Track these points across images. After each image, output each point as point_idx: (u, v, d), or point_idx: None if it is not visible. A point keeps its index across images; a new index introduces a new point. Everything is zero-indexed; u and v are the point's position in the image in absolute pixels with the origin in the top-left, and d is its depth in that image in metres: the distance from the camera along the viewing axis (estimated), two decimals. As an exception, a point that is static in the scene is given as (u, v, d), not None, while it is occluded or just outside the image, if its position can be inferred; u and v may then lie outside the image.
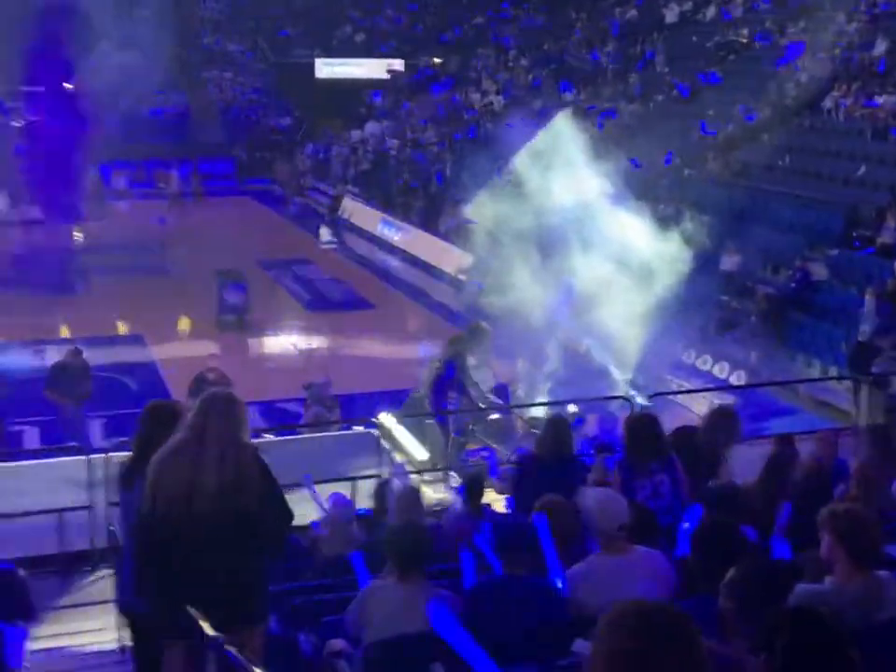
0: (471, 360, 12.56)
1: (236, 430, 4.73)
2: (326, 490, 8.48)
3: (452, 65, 41.67)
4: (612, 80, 32.00)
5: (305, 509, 8.51)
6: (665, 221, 16.84)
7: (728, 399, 13.84)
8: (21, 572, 6.15)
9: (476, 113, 35.42)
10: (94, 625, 7.46)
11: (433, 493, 10.45)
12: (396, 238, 29.62)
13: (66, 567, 8.88)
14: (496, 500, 8.45)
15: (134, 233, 29.53)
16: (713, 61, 28.54)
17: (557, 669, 4.30)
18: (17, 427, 14.33)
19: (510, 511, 7.68)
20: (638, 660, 2.28)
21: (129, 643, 5.68)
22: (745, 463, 7.26)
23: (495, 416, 12.94)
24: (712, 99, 26.51)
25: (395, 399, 14.23)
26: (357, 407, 14.47)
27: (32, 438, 14.54)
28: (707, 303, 16.80)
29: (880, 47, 23.32)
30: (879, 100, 21.54)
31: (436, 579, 5.25)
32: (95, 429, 14.46)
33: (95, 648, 7.08)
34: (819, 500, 5.14)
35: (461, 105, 37.12)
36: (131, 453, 5.50)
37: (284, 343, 20.24)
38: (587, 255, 13.48)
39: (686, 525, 5.23)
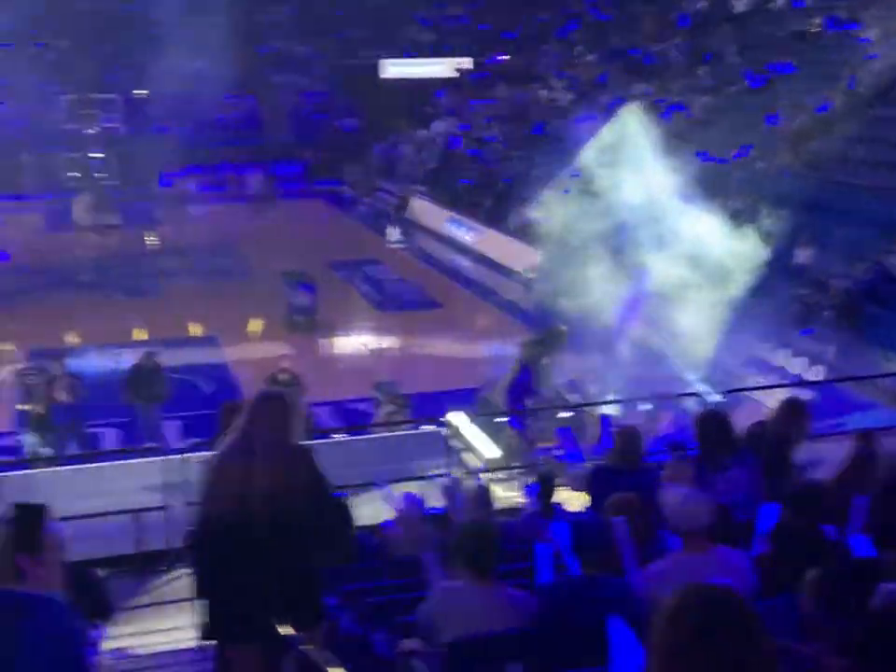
0: (547, 362, 12.46)
1: (284, 432, 4.70)
2: (396, 489, 8.49)
3: (518, 62, 41.52)
4: (681, 73, 31.64)
5: (377, 508, 8.55)
6: (736, 215, 16.60)
7: (805, 394, 13.60)
8: (99, 571, 6.25)
9: (543, 110, 35.25)
10: (171, 624, 7.54)
11: (504, 492, 10.43)
12: (464, 237, 29.62)
13: (143, 567, 9.01)
14: (568, 500, 8.39)
15: (207, 236, 29.94)
16: (784, 50, 28.04)
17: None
18: (95, 429, 14.60)
19: (584, 509, 7.60)
20: (697, 642, 2.25)
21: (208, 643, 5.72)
22: (823, 459, 7.12)
23: (566, 415, 12.86)
24: (784, 89, 26.04)
25: (464, 399, 14.22)
26: (427, 406, 14.47)
27: (110, 439, 14.81)
28: (781, 297, 16.52)
29: (957, 32, 22.75)
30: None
31: (508, 578, 5.22)
32: (171, 431, 14.66)
33: (172, 647, 7.16)
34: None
35: (527, 103, 36.97)
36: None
37: (354, 343, 20.34)
38: (658, 251, 13.33)
39: (765, 524, 5.14)
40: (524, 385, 12.33)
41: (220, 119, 41.85)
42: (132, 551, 9.13)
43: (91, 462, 12.68)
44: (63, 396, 13.59)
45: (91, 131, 36.63)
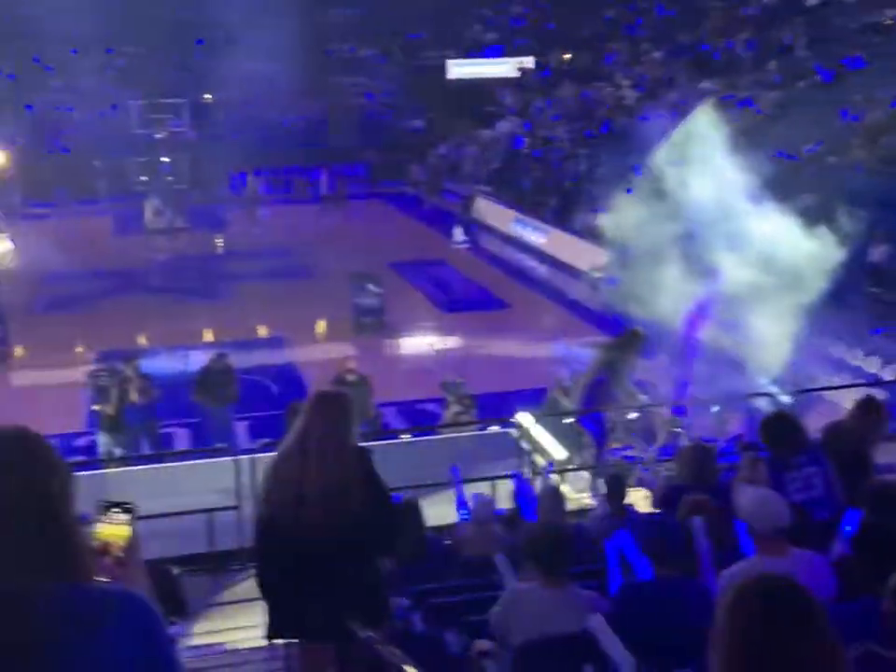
0: (626, 365, 12.31)
1: (339, 432, 4.67)
2: (467, 490, 8.48)
3: (583, 61, 41.32)
4: (750, 68, 31.22)
5: (447, 509, 8.55)
6: (808, 212, 16.33)
7: (879, 393, 13.32)
8: (175, 570, 6.33)
9: (608, 108, 35.03)
10: (244, 622, 7.60)
11: (574, 493, 10.38)
12: (529, 236, 29.54)
13: (216, 566, 9.11)
14: (639, 501, 8.33)
15: (275, 238, 30.22)
16: (856, 43, 27.54)
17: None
18: (167, 429, 14.79)
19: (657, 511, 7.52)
20: (757, 629, 2.27)
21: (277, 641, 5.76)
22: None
23: (634, 415, 12.74)
24: (856, 83, 25.58)
25: (532, 399, 14.17)
26: (493, 406, 14.45)
27: (181, 439, 15.00)
28: (855, 296, 16.23)
29: None
30: None
31: (579, 580, 5.19)
32: (241, 431, 14.81)
33: (246, 645, 7.22)
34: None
35: (593, 101, 36.76)
36: None
37: (420, 343, 20.38)
38: (729, 251, 13.14)
39: (847, 528, 5.04)
40: (601, 388, 12.20)
41: (287, 121, 42.26)
42: (205, 550, 9.24)
43: (163, 462, 12.88)
44: (135, 397, 13.79)
45: (160, 135, 37.19)
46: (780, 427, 6.59)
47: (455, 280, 25.90)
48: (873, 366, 15.87)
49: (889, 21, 27.55)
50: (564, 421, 13.15)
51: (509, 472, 9.85)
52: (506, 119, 40.28)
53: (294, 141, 40.13)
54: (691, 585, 4.75)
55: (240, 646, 7.33)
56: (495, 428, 13.24)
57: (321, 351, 19.42)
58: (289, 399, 12.60)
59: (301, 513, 4.59)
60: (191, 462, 12.30)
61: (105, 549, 2.22)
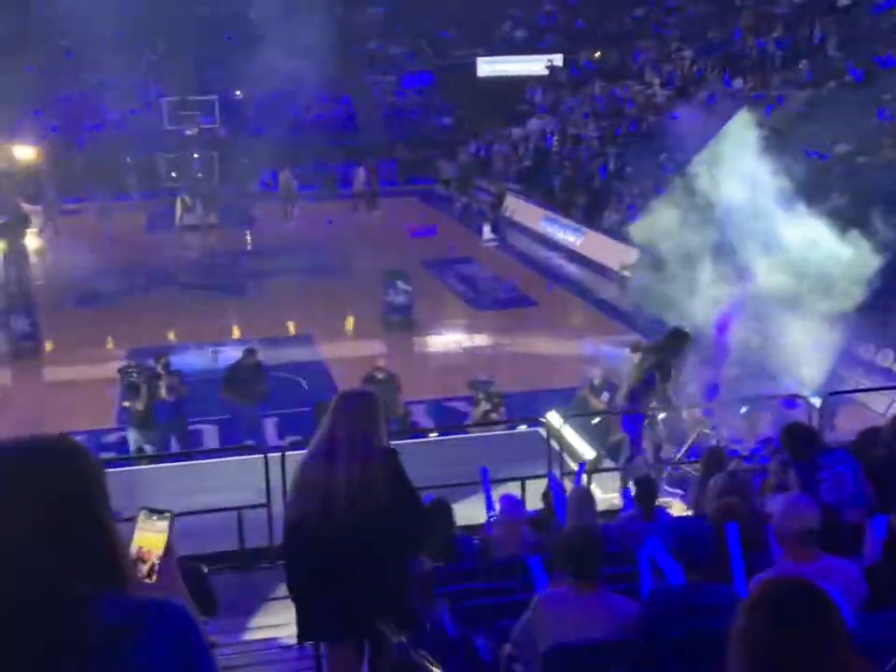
0: (674, 366, 12.21)
1: (367, 432, 4.65)
2: (495, 490, 8.49)
3: (613, 58, 41.16)
4: (781, 67, 31.01)
5: (476, 509, 8.56)
6: (838, 212, 16.20)
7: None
8: (205, 568, 6.37)
9: (638, 106, 34.88)
10: (274, 621, 7.65)
11: (604, 494, 10.36)
12: (558, 235, 29.48)
13: (246, 564, 9.16)
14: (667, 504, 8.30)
15: (304, 235, 30.29)
16: (889, 43, 27.29)
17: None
18: (197, 426, 14.87)
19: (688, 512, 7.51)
20: (772, 630, 2.30)
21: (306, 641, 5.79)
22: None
23: (662, 416, 12.69)
24: (888, 83, 25.36)
25: (561, 398, 14.16)
26: (522, 405, 14.44)
27: (211, 437, 15.07)
28: (886, 297, 16.08)
29: None
30: None
31: (608, 583, 5.17)
32: (270, 428, 14.86)
33: (276, 643, 7.26)
34: None
35: (623, 99, 36.62)
36: None
37: (449, 341, 20.39)
38: (760, 252, 13.08)
39: (876, 532, 5.01)
40: (648, 389, 12.12)
41: (317, 118, 42.34)
42: (235, 548, 9.30)
43: (193, 459, 12.97)
44: (164, 393, 13.87)
45: (190, 132, 37.30)
46: (799, 436, 6.66)
47: (484, 278, 25.86)
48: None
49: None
50: (592, 421, 13.14)
51: (538, 473, 9.84)
52: (536, 116, 40.18)
53: (324, 138, 40.21)
54: (723, 591, 4.73)
55: (269, 643, 7.38)
56: (523, 428, 13.25)
57: (350, 348, 19.46)
58: (318, 397, 12.70)
59: (330, 514, 4.60)
60: (221, 459, 12.38)
61: (142, 556, 2.24)
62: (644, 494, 7.51)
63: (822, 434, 6.99)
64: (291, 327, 21.64)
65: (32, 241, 29.22)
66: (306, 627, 4.93)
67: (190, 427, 14.49)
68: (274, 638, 7.37)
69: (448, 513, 7.00)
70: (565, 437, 11.67)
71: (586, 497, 6.89)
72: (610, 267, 24.13)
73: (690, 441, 12.21)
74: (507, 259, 28.48)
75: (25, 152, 36.77)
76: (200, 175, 35.53)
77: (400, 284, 20.77)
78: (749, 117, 15.23)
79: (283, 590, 7.76)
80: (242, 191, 36.24)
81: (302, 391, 16.61)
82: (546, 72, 43.21)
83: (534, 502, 8.64)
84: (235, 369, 14.67)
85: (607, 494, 10.58)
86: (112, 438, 14.73)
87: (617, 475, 11.35)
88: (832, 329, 12.64)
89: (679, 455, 12.25)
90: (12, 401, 16.94)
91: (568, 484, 8.89)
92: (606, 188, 30.11)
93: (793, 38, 32.04)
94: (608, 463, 12.30)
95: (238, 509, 9.38)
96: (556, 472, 9.70)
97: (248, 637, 7.73)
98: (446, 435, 14.01)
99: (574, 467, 10.74)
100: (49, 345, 20.08)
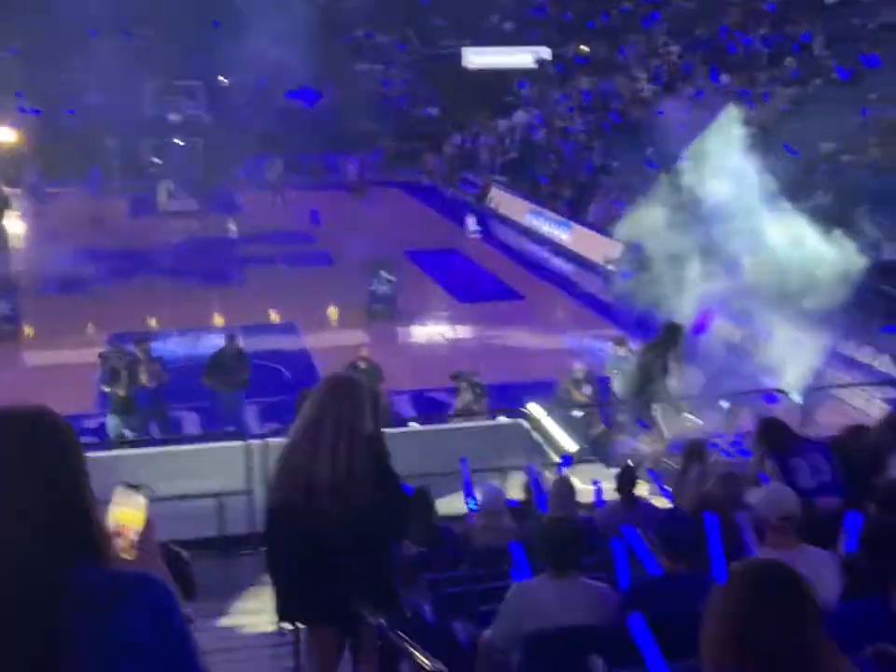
0: (674, 359, 12.25)
1: (351, 418, 4.60)
2: (477, 481, 8.50)
3: (600, 52, 41.18)
4: (767, 64, 31.09)
5: (457, 499, 8.57)
6: (822, 210, 16.28)
7: (888, 392, 13.31)
8: (186, 553, 6.33)
9: (625, 100, 34.92)
10: (254, 607, 7.64)
11: (584, 484, 10.37)
12: (543, 227, 29.49)
13: (226, 550, 9.13)
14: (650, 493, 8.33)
15: (287, 224, 30.21)
16: (875, 42, 27.39)
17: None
18: (177, 412, 14.82)
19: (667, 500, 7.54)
20: (746, 614, 2.32)
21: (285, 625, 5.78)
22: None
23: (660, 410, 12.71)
24: (873, 82, 25.47)
25: (543, 390, 14.17)
26: (505, 397, 14.45)
27: (191, 423, 15.02)
28: (867, 293, 16.16)
29: None
30: None
31: (588, 572, 5.19)
32: (252, 415, 14.83)
33: (255, 629, 7.25)
34: None
35: (610, 93, 36.65)
36: None
37: (432, 332, 20.38)
38: (744, 248, 13.14)
39: (852, 524, 5.04)
40: (648, 384, 12.15)
41: (302, 107, 42.17)
42: (215, 534, 9.27)
43: (173, 445, 12.92)
44: (145, 379, 13.82)
45: (174, 118, 37.11)
46: (775, 429, 6.79)
47: (469, 269, 25.86)
48: (883, 364, 15.82)
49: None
50: (574, 413, 13.17)
51: (520, 463, 9.85)
52: (522, 109, 40.15)
53: (309, 127, 40.06)
54: (702, 580, 4.75)
55: (249, 630, 7.36)
56: (504, 419, 13.26)
57: (334, 338, 19.42)
58: (300, 385, 12.66)
59: (312, 501, 4.58)
60: (201, 445, 12.34)
61: (120, 532, 2.24)
62: (624, 484, 7.53)
63: (804, 428, 7.07)
64: (274, 315, 21.59)
65: (12, 223, 29.01)
66: (285, 610, 4.91)
67: (171, 413, 14.44)
68: (253, 624, 7.36)
69: (429, 500, 7.01)
70: (546, 428, 11.69)
71: (568, 487, 6.90)
72: (595, 260, 24.16)
73: (671, 434, 12.26)
74: (491, 251, 28.46)
75: (6, 134, 36.50)
76: (183, 160, 35.35)
77: (384, 274, 20.74)
78: (736, 113, 15.29)
79: (263, 577, 7.76)
80: (226, 178, 36.08)
81: (285, 379, 16.57)
82: (535, 65, 43.17)
83: (515, 492, 8.65)
84: (218, 355, 14.61)
85: (587, 485, 10.60)
86: (92, 423, 14.65)
87: (597, 467, 11.36)
88: (814, 326, 12.71)
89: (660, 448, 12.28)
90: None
91: (549, 476, 8.91)
92: (591, 181, 30.13)
93: (780, 36, 32.14)
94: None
95: (218, 495, 9.35)
96: (537, 463, 9.71)
97: (227, 622, 7.71)
98: (426, 424, 14.00)
99: (556, 458, 10.77)
100: (29, 329, 19.97)
